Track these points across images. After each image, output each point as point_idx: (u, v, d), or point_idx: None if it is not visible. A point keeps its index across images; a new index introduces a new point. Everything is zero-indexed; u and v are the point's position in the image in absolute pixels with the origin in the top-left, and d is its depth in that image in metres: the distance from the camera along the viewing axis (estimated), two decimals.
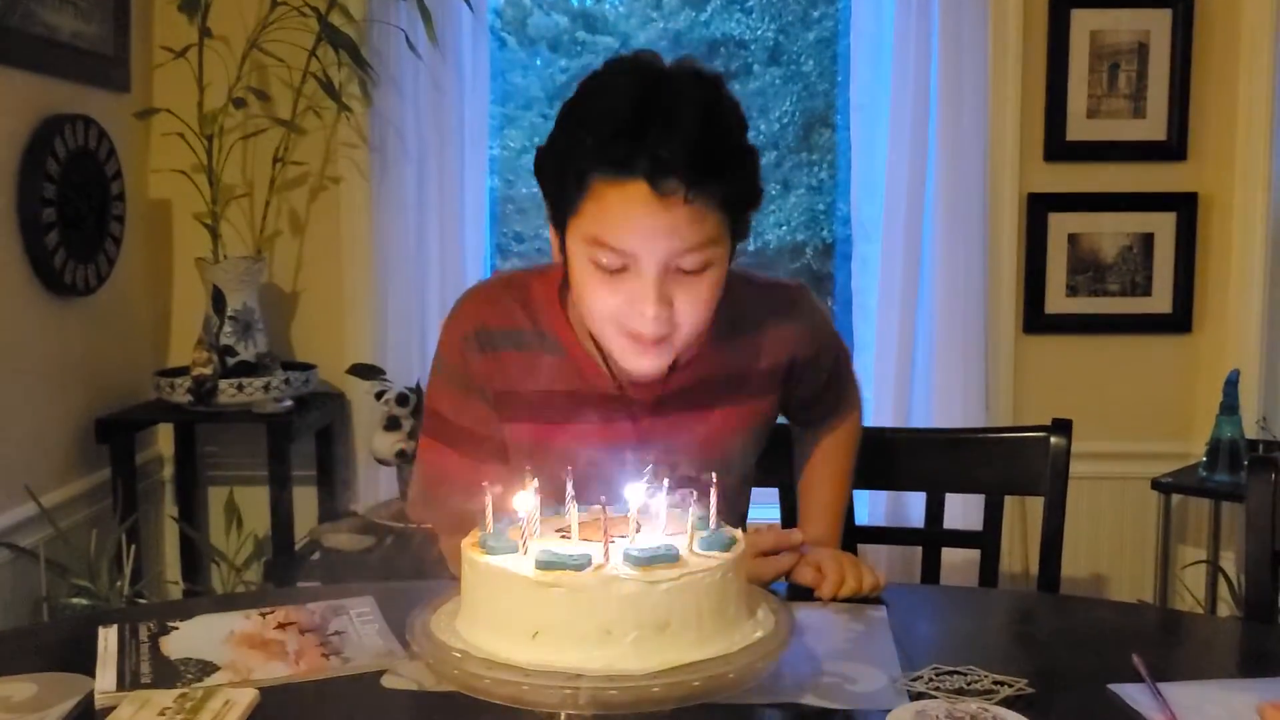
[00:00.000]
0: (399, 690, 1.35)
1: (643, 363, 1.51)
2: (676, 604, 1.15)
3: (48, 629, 2.13)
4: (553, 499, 1.27)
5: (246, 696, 1.30)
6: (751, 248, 3.79)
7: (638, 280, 1.43)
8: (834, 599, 1.60)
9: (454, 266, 3.25)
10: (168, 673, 1.38)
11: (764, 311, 1.67)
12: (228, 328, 3.06)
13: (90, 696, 1.32)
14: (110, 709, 1.28)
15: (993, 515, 2.08)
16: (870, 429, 2.00)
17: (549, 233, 1.54)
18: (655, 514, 1.25)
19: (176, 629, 1.52)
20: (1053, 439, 2.04)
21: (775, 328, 1.68)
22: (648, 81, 1.42)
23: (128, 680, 1.36)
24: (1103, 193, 3.31)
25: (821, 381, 1.82)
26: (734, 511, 1.36)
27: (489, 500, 1.25)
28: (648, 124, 1.37)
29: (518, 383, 1.62)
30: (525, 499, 1.23)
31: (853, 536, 2.12)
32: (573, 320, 1.62)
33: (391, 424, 3.03)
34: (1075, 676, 1.37)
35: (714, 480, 1.29)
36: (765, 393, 1.72)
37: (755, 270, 1.76)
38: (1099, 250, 3.33)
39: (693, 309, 1.46)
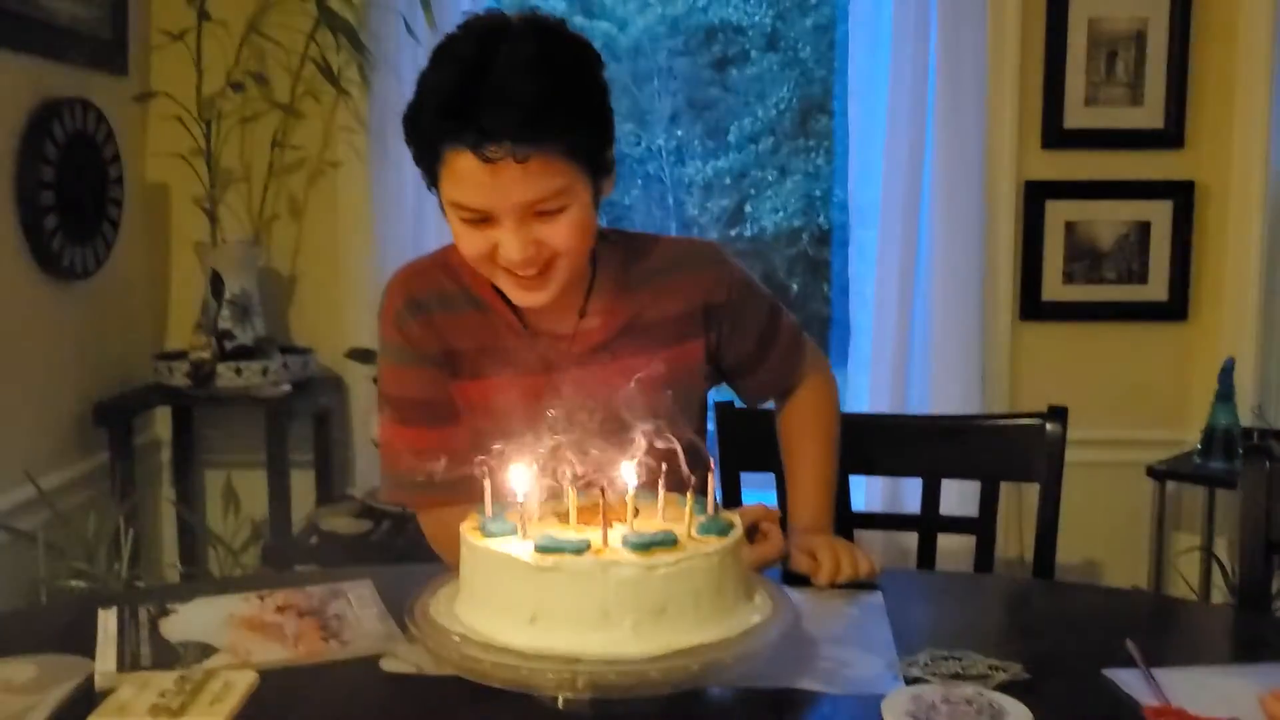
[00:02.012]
0: (398, 673, 1.35)
1: (530, 296, 1.57)
2: (674, 588, 1.16)
3: (47, 611, 2.14)
4: (506, 456, 1.30)
5: (246, 679, 1.31)
6: (749, 234, 3.79)
7: (499, 229, 1.50)
8: (831, 585, 1.61)
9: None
10: (167, 655, 1.39)
11: (672, 262, 1.73)
12: (226, 311, 3.06)
13: (90, 678, 1.33)
14: (110, 690, 1.29)
15: (988, 502, 2.09)
16: (867, 415, 2.01)
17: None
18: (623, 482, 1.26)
19: (176, 612, 1.53)
20: (1048, 426, 2.05)
21: (684, 275, 1.73)
22: (482, 46, 1.47)
23: (127, 662, 1.37)
24: (1100, 180, 3.32)
25: (752, 339, 1.80)
26: (684, 484, 1.38)
27: (486, 484, 1.26)
28: (473, 95, 1.43)
29: (453, 341, 1.68)
30: (524, 481, 1.24)
31: (849, 523, 2.13)
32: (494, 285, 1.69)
33: None
34: (1070, 662, 1.38)
35: (711, 465, 1.30)
36: (684, 339, 1.73)
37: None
38: (1096, 238, 3.33)
39: (563, 238, 1.52)
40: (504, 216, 1.49)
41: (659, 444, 1.26)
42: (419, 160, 1.55)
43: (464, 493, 1.38)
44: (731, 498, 2.13)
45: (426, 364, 1.69)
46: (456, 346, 1.68)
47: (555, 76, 1.46)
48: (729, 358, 1.81)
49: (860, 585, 1.61)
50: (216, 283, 3.07)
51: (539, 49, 1.47)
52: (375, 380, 3.05)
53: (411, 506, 1.78)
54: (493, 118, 1.42)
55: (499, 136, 1.42)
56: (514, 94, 1.42)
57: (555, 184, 1.48)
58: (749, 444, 2.13)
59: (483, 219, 1.51)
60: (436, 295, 1.69)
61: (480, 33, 1.50)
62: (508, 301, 1.65)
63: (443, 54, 1.51)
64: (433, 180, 1.55)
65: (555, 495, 1.29)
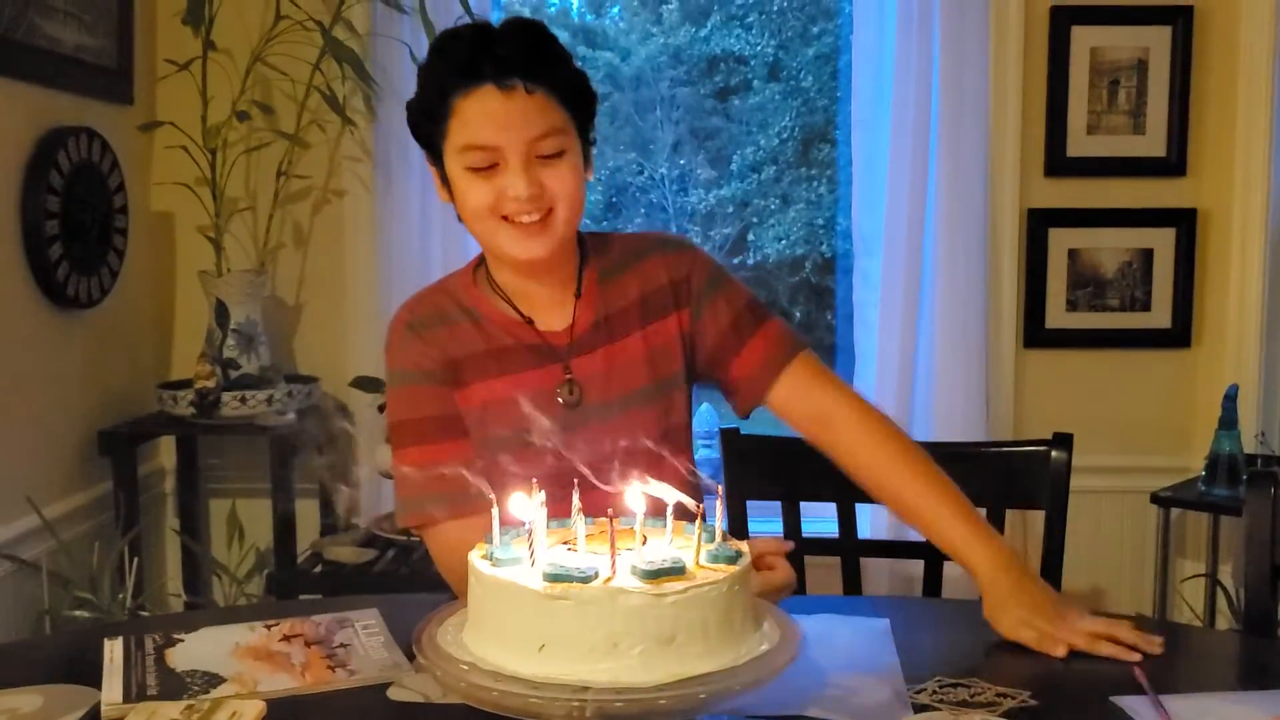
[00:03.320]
0: (405, 702, 1.35)
1: (532, 244, 1.66)
2: (683, 617, 1.16)
3: (53, 641, 2.14)
4: (513, 465, 1.39)
5: (253, 708, 1.30)
6: (752, 261, 3.81)
7: (507, 171, 1.62)
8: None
9: None
10: (174, 684, 1.39)
11: (644, 247, 1.82)
12: (231, 340, 3.07)
13: (97, 708, 1.33)
14: None
15: (994, 528, 2.08)
16: None
17: (434, 180, 1.73)
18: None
19: (182, 641, 1.53)
20: (1053, 453, 2.05)
21: (654, 257, 1.80)
22: (479, 24, 1.71)
23: (134, 692, 1.37)
24: (1103, 208, 3.33)
25: (726, 317, 1.77)
26: (685, 485, 1.40)
27: (494, 511, 1.26)
28: (485, 39, 1.63)
29: (453, 351, 1.74)
30: (531, 510, 1.24)
31: (856, 551, 2.13)
32: (484, 288, 1.78)
33: None
34: (1077, 689, 1.38)
35: (720, 491, 1.30)
36: (657, 315, 1.78)
37: None
38: (1099, 265, 3.34)
39: (560, 186, 1.64)
40: (511, 154, 1.61)
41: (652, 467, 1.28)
42: (427, 129, 1.68)
43: (477, 506, 1.42)
44: (738, 526, 2.13)
45: (432, 381, 1.74)
46: (456, 355, 1.74)
47: (549, 39, 1.67)
48: (705, 340, 1.78)
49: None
50: (221, 312, 3.07)
51: (532, 25, 1.68)
52: (382, 408, 3.08)
53: (429, 525, 1.74)
54: (506, 51, 1.60)
55: (513, 67, 1.60)
56: (519, 38, 1.63)
57: (554, 121, 1.63)
58: (755, 471, 2.13)
59: (490, 165, 1.63)
60: (433, 313, 1.77)
61: (470, 25, 1.72)
62: (505, 306, 1.75)
63: (442, 38, 1.71)
64: (438, 146, 1.67)
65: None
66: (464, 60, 1.63)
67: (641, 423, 1.70)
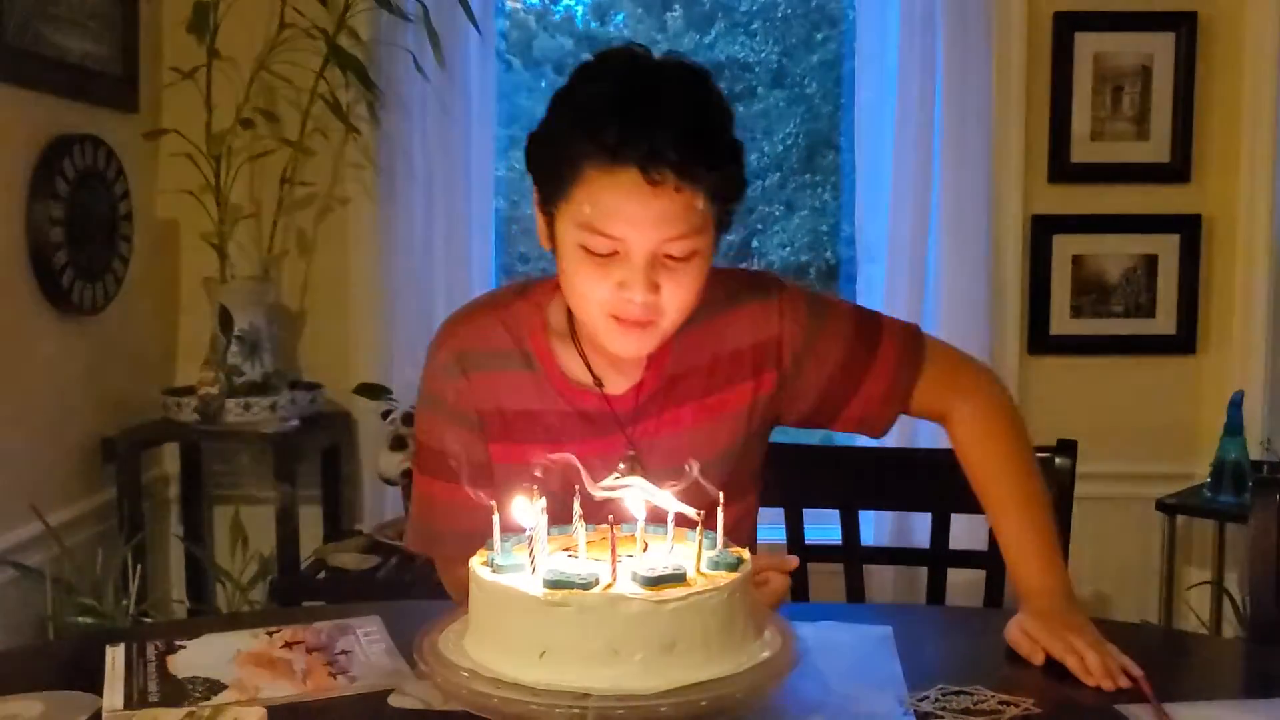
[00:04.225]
0: (406, 709, 1.35)
1: (629, 344, 1.52)
2: (684, 624, 1.16)
3: (54, 647, 2.14)
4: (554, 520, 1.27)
5: (254, 715, 1.30)
6: (755, 268, 3.80)
7: (626, 265, 1.44)
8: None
9: (460, 287, 3.26)
10: (175, 691, 1.39)
11: (717, 299, 1.61)
12: (235, 347, 3.07)
13: (98, 715, 1.33)
14: None
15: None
16: (876, 449, 1.99)
17: (537, 221, 1.55)
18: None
19: (184, 648, 1.52)
20: (1057, 459, 2.04)
21: (730, 310, 1.64)
22: (639, 70, 1.46)
23: (135, 699, 1.37)
24: (1107, 214, 3.32)
25: (829, 366, 1.66)
26: (746, 537, 1.34)
27: (495, 519, 1.26)
28: (640, 111, 1.39)
29: (501, 403, 1.62)
30: (531, 516, 1.24)
31: (859, 558, 2.12)
32: (553, 336, 1.63)
33: (397, 443, 3.03)
34: (1081, 696, 1.37)
35: (721, 500, 1.29)
36: (739, 379, 1.64)
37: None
38: (1103, 272, 3.33)
39: (678, 295, 1.48)
40: (637, 252, 1.43)
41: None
42: (547, 180, 1.49)
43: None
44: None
45: (466, 425, 1.63)
46: (504, 407, 1.62)
47: (712, 114, 1.46)
48: (804, 400, 1.68)
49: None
50: (225, 318, 3.07)
51: (694, 85, 1.46)
52: (385, 414, 3.08)
53: (438, 561, 1.73)
54: (662, 137, 1.38)
55: (664, 157, 1.38)
56: (680, 118, 1.40)
57: (695, 222, 1.44)
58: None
59: (611, 253, 1.44)
60: (487, 351, 1.63)
61: (632, 60, 1.48)
62: (575, 365, 1.61)
63: (591, 75, 1.49)
64: (556, 201, 1.48)
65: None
66: (611, 137, 1.39)
67: (701, 487, 1.41)
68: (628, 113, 1.40)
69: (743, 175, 1.51)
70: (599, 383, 1.62)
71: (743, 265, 3.75)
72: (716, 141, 1.45)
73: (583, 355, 1.62)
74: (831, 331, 1.66)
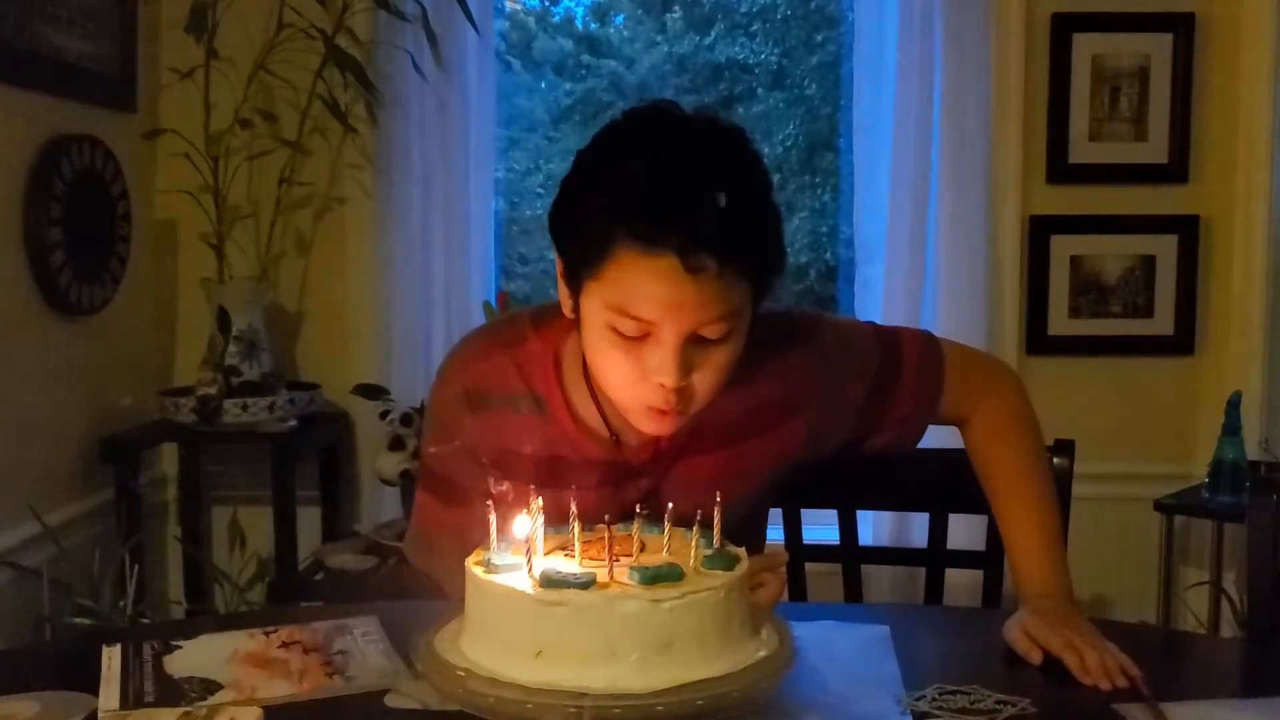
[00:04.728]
0: (403, 709, 1.35)
1: (657, 426, 1.45)
2: (680, 623, 1.16)
3: (51, 647, 2.13)
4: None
5: (250, 715, 1.30)
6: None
7: (657, 349, 1.36)
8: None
9: (459, 287, 3.26)
10: (171, 691, 1.38)
11: (753, 349, 1.49)
12: (233, 348, 3.07)
13: (94, 715, 1.32)
14: None
15: (996, 536, 2.07)
16: None
17: (559, 287, 1.46)
18: None
19: (180, 648, 1.52)
20: (1055, 459, 2.03)
21: (760, 365, 1.55)
22: (674, 142, 1.35)
23: (131, 699, 1.36)
24: (1105, 215, 3.32)
25: (856, 405, 1.64)
26: (754, 539, 1.31)
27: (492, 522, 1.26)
28: (679, 194, 1.30)
29: (509, 445, 1.56)
30: (528, 520, 1.24)
31: (857, 557, 2.12)
32: (568, 382, 1.56)
33: (396, 444, 3.04)
34: (1079, 696, 1.37)
35: (717, 499, 1.29)
36: (766, 430, 1.60)
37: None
38: (1101, 272, 3.33)
39: (710, 377, 1.41)
40: (669, 334, 1.34)
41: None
42: (574, 254, 1.38)
43: None
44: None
45: (466, 456, 1.59)
46: (511, 449, 1.56)
47: (752, 188, 1.36)
48: (831, 440, 1.66)
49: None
50: (223, 319, 3.07)
51: (731, 155, 1.37)
52: (383, 414, 3.08)
53: (436, 577, 1.71)
54: (702, 223, 1.28)
55: (704, 243, 1.28)
56: (720, 200, 1.30)
57: (734, 303, 1.35)
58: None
59: (642, 335, 1.36)
60: (498, 393, 1.56)
61: (664, 129, 1.37)
62: (591, 417, 1.56)
63: (621, 146, 1.38)
64: (583, 278, 1.38)
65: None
66: (648, 222, 1.29)
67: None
68: (665, 195, 1.29)
69: (783, 248, 1.42)
70: (615, 436, 1.56)
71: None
72: (758, 220, 1.36)
73: (598, 404, 1.55)
74: (855, 373, 1.63)
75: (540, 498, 1.25)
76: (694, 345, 1.36)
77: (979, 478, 1.70)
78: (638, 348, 1.37)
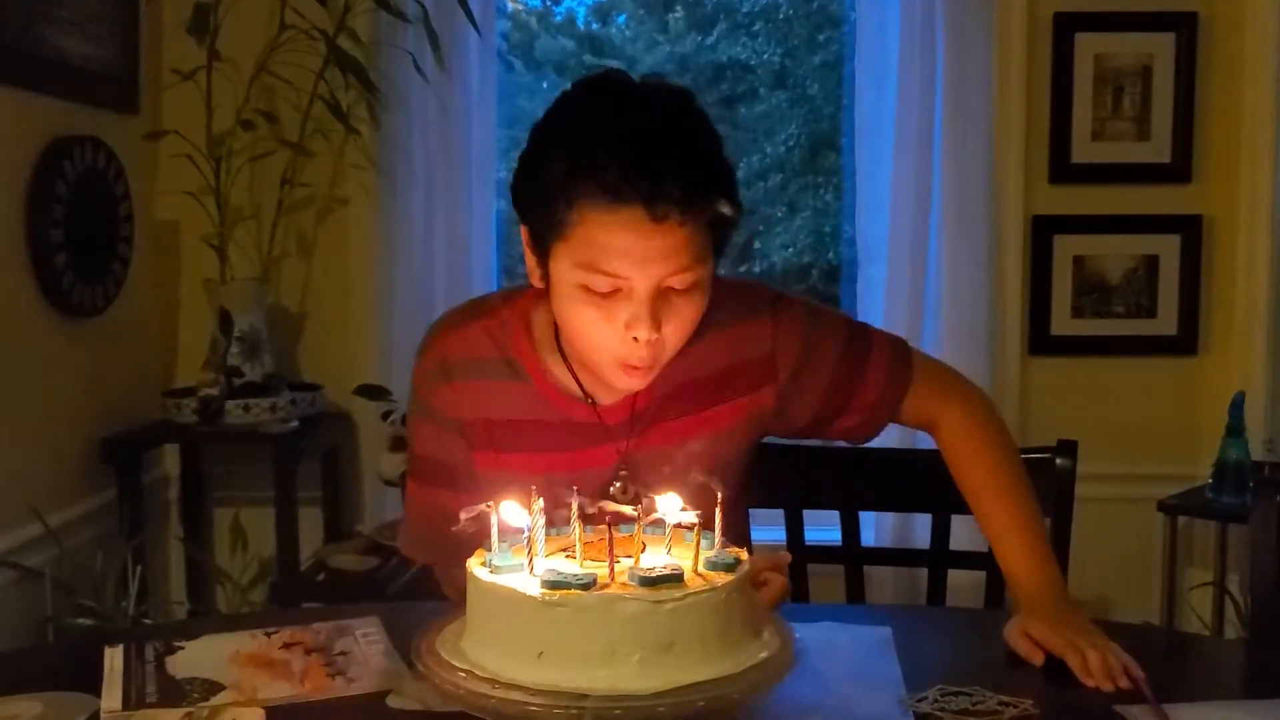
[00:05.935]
0: (404, 710, 1.35)
1: (630, 381, 1.50)
2: (682, 624, 1.15)
3: (53, 648, 2.14)
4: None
5: (252, 716, 1.30)
6: (758, 270, 3.80)
7: (630, 303, 1.41)
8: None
9: (461, 288, 3.26)
10: (173, 692, 1.39)
11: (714, 314, 1.55)
12: (235, 348, 3.07)
13: (96, 715, 1.33)
14: None
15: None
16: (877, 450, 1.98)
17: (526, 257, 1.51)
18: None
19: (182, 649, 1.52)
20: (1058, 460, 2.04)
21: (727, 327, 1.60)
22: (628, 101, 1.42)
23: (133, 700, 1.36)
24: (1108, 215, 3.32)
25: (824, 379, 1.65)
26: (733, 532, 1.34)
27: (493, 522, 1.25)
28: (640, 149, 1.36)
29: (486, 413, 1.60)
30: (529, 518, 1.24)
31: (860, 559, 2.12)
32: (541, 347, 1.60)
33: (397, 445, 3.03)
34: (1081, 698, 1.37)
35: (719, 500, 1.29)
36: (739, 393, 1.63)
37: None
38: (1104, 272, 3.33)
39: (679, 328, 1.46)
40: (640, 287, 1.40)
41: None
42: (539, 220, 1.44)
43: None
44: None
45: (455, 430, 1.62)
46: (490, 416, 1.60)
47: (710, 140, 1.44)
48: (798, 416, 1.67)
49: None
50: (225, 320, 3.07)
51: (682, 112, 1.43)
52: (385, 415, 3.08)
53: (433, 566, 1.73)
54: (666, 173, 1.34)
55: (670, 193, 1.35)
56: (678, 151, 1.37)
57: (697, 252, 1.41)
58: (757, 479, 2.10)
59: (613, 291, 1.41)
60: (472, 361, 1.60)
61: (616, 91, 1.44)
62: (564, 378, 1.59)
63: (576, 110, 1.44)
64: (547, 245, 1.44)
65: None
66: (612, 177, 1.34)
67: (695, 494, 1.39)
68: (627, 151, 1.35)
69: (739, 200, 1.48)
70: (590, 398, 1.59)
71: (744, 267, 3.76)
72: (716, 171, 1.42)
73: (571, 369, 1.59)
74: (826, 345, 1.66)
75: (540, 498, 1.25)
76: (662, 299, 1.42)
77: (958, 482, 1.71)
78: (609, 304, 1.42)
